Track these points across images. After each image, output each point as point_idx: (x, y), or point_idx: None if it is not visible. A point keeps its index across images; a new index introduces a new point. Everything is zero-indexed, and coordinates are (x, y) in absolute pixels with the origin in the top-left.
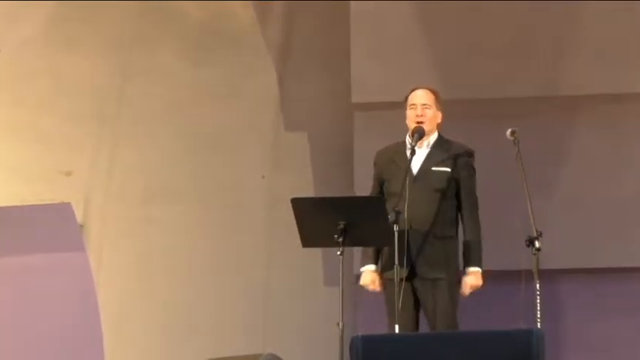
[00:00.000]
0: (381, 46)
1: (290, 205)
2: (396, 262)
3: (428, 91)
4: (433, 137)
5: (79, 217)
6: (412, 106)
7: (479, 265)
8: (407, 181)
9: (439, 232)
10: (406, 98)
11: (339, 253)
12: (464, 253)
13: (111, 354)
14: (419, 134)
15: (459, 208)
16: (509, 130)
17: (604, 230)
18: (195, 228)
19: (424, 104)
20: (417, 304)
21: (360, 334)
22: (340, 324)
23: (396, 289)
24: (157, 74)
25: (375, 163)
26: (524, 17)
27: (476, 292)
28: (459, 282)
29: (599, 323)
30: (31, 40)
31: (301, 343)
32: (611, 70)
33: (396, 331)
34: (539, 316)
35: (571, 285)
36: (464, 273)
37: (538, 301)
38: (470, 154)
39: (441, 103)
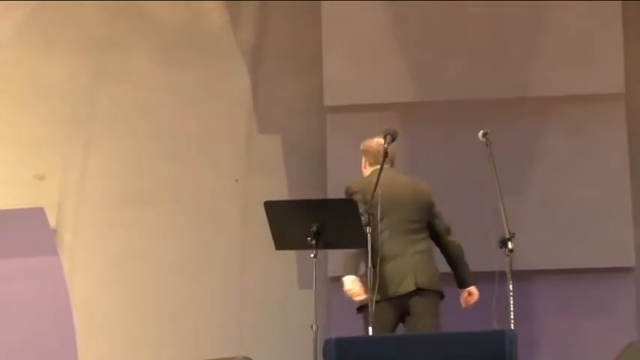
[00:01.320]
0: (353, 48)
1: (264, 207)
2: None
3: None
4: None
5: (52, 221)
6: None
7: None
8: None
9: None
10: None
11: (312, 255)
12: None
13: (85, 357)
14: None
15: None
16: (481, 131)
17: (574, 231)
18: (170, 231)
19: None
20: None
21: (333, 336)
22: (314, 326)
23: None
24: (130, 77)
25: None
26: (495, 20)
27: (449, 293)
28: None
29: (571, 323)
30: (4, 43)
31: (276, 346)
32: (579, 72)
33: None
34: (512, 316)
35: (543, 285)
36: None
37: (511, 301)
38: None
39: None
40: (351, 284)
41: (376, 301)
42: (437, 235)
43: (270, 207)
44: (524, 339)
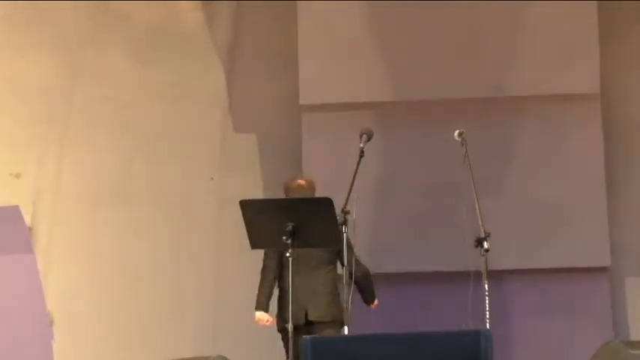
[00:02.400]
0: (329, 47)
1: (239, 206)
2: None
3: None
4: None
5: (27, 219)
6: None
7: None
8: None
9: None
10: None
11: (288, 254)
12: None
13: (60, 355)
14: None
15: None
16: (457, 131)
17: (550, 231)
18: (145, 229)
19: None
20: None
21: (309, 335)
22: (289, 326)
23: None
24: (106, 75)
25: None
26: (472, 20)
27: (425, 293)
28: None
29: (547, 323)
30: None
31: (251, 345)
32: (555, 72)
33: None
34: (487, 316)
35: (519, 285)
36: None
37: (487, 301)
38: None
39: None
40: (260, 315)
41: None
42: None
43: (246, 206)
44: (499, 339)
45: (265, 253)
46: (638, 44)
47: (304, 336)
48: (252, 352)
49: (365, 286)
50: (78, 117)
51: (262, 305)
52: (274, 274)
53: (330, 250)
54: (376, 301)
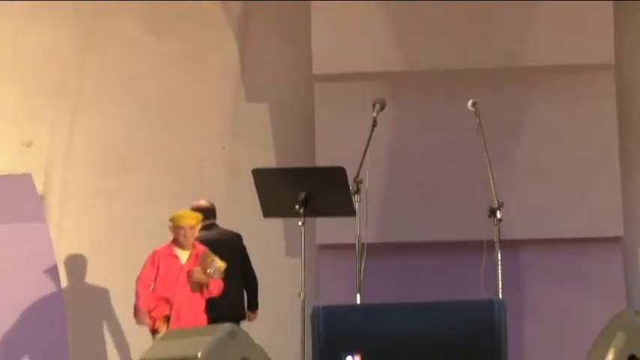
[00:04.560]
0: (342, 17)
1: (251, 176)
2: None
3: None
4: None
5: (39, 187)
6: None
7: None
8: None
9: None
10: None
11: (300, 223)
12: None
13: (72, 321)
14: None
15: None
16: (470, 101)
17: (563, 200)
18: (157, 198)
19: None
20: None
21: (321, 304)
22: (302, 294)
23: None
24: (118, 45)
25: None
26: None
27: (437, 263)
28: None
29: (559, 292)
30: None
31: (263, 313)
32: (569, 42)
33: None
34: (500, 286)
35: (531, 255)
36: None
37: (499, 271)
38: None
39: None
40: None
41: None
42: None
43: (258, 175)
44: (512, 308)
45: None
46: None
47: (316, 305)
48: (265, 321)
49: (253, 293)
50: (90, 86)
51: None
52: None
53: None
54: (258, 312)
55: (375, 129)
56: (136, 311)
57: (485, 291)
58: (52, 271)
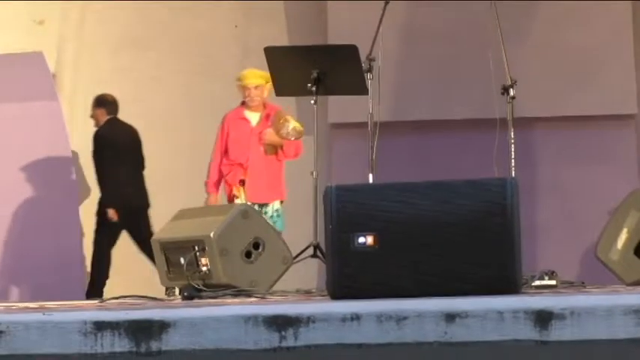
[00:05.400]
0: None
1: (263, 54)
2: None
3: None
4: None
5: (51, 65)
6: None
7: None
8: None
9: None
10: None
11: (312, 102)
12: None
13: (84, 204)
14: None
15: None
16: None
17: (576, 78)
18: (168, 77)
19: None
20: None
21: (334, 183)
22: (314, 173)
23: None
24: None
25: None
26: None
27: (450, 141)
28: None
29: (572, 170)
30: None
31: None
32: None
33: None
34: (513, 164)
35: (544, 133)
36: None
37: (512, 149)
38: None
39: None
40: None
41: None
42: None
43: (271, 53)
44: (525, 186)
45: None
46: None
47: (329, 184)
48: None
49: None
50: None
51: None
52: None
53: None
54: None
55: (388, 6)
56: (205, 187)
57: (498, 169)
58: (64, 148)
